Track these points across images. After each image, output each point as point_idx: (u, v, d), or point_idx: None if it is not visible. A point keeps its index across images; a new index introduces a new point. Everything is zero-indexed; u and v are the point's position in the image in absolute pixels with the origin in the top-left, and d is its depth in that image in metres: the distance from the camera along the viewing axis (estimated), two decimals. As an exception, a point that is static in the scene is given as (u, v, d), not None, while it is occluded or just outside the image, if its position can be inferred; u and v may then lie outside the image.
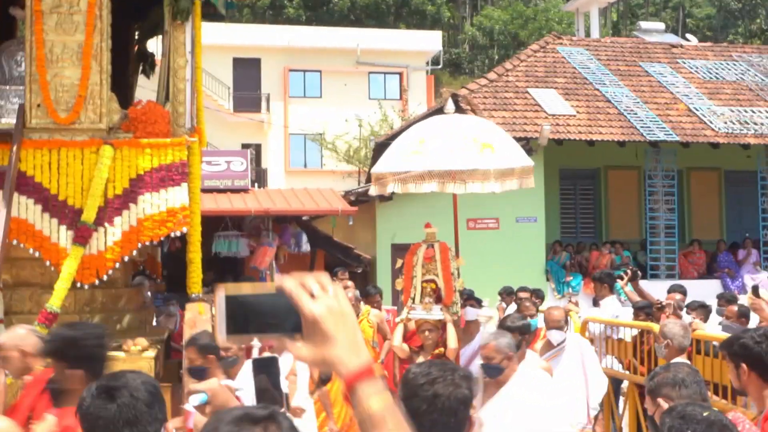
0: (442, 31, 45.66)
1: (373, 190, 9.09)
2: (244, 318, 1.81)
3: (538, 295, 14.60)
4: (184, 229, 8.16)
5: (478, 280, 14.72)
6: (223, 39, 33.94)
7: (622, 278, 11.10)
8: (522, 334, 7.05)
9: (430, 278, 8.24)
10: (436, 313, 8.04)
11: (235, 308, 1.81)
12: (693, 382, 4.06)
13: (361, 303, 11.55)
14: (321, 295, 1.80)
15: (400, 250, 19.83)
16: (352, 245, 19.69)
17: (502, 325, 7.10)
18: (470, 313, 9.84)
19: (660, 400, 4.01)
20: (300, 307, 1.79)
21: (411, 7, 50.58)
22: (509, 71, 22.81)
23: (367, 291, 12.39)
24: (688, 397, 3.92)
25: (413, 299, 8.23)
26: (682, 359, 6.64)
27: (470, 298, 10.73)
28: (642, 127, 20.66)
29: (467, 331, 9.31)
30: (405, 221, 19.22)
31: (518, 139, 20.00)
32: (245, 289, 1.85)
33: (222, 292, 1.82)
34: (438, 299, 8.20)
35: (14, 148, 7.82)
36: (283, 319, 1.81)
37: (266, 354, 7.30)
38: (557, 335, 8.25)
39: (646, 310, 9.81)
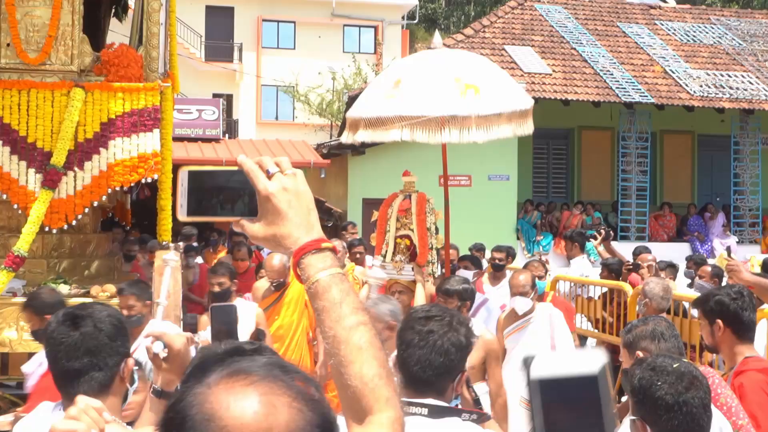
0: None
1: (345, 137, 8.28)
2: (204, 197, 1.79)
3: (509, 253, 14.63)
4: (156, 176, 8.03)
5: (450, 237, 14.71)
6: (197, -13, 33.48)
7: (595, 238, 11.11)
8: (462, 300, 6.19)
9: (404, 233, 7.41)
10: (407, 273, 7.29)
11: (196, 186, 1.78)
12: (671, 336, 4.03)
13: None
14: (277, 174, 1.78)
15: (371, 205, 19.76)
16: (323, 198, 19.60)
17: (440, 288, 6.32)
18: (463, 274, 8.56)
19: (639, 353, 3.98)
20: (255, 184, 1.76)
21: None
22: (486, 27, 22.66)
23: (350, 243, 11.80)
24: (667, 350, 3.89)
25: (384, 256, 7.46)
26: None
27: (464, 258, 9.98)
28: (617, 87, 20.63)
29: None
30: (378, 175, 19.13)
31: (493, 97, 20.12)
32: (209, 167, 1.83)
33: (185, 168, 1.79)
34: (413, 257, 7.39)
35: (-17, 88, 7.63)
36: (240, 199, 1.79)
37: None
38: (522, 303, 6.91)
39: (613, 267, 9.82)
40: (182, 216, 1.80)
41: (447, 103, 7.32)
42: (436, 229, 7.63)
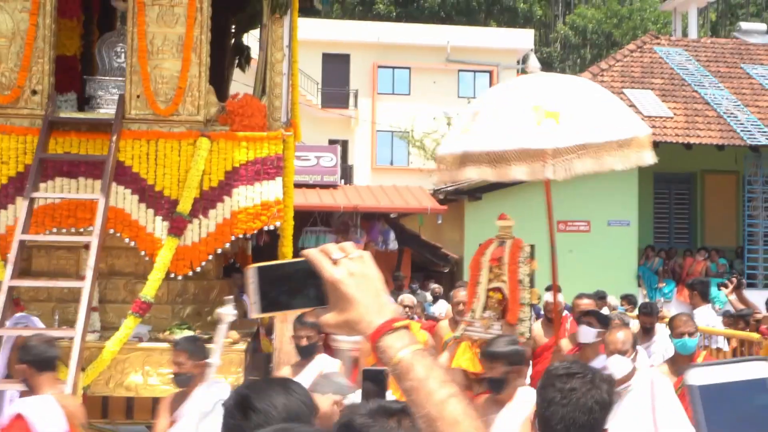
0: (533, 29, 45.18)
1: (432, 178, 7.73)
2: (274, 291, 1.80)
3: (630, 300, 14.29)
4: (278, 224, 8.11)
5: (567, 285, 14.46)
6: (313, 34, 34.03)
7: (726, 286, 10.75)
8: (510, 365, 5.23)
9: (497, 285, 6.61)
10: (496, 332, 6.44)
11: (266, 281, 1.79)
12: None
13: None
14: (342, 260, 1.78)
15: (488, 250, 19.66)
16: (439, 244, 19.54)
17: (484, 351, 5.44)
18: (585, 333, 7.32)
19: None
20: (321, 273, 1.76)
21: (502, 5, 50.16)
22: (604, 71, 22.41)
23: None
24: None
25: (474, 312, 6.68)
26: None
27: (590, 314, 7.90)
28: (742, 130, 20.07)
29: (583, 356, 6.82)
30: (494, 220, 18.98)
31: (612, 141, 19.80)
32: (275, 262, 1.85)
33: (253, 266, 1.80)
34: (505, 313, 6.64)
35: (113, 138, 7.86)
36: (310, 289, 1.79)
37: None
38: (619, 364, 5.60)
39: (745, 318, 9.49)
40: (256, 313, 1.81)
41: (518, 135, 6.35)
42: (531, 281, 6.75)
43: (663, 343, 8.88)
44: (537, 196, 19.63)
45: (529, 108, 6.42)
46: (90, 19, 10.00)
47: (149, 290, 7.64)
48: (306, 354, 6.70)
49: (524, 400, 5.12)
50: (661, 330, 9.04)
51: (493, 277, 6.71)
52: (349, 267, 1.78)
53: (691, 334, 6.74)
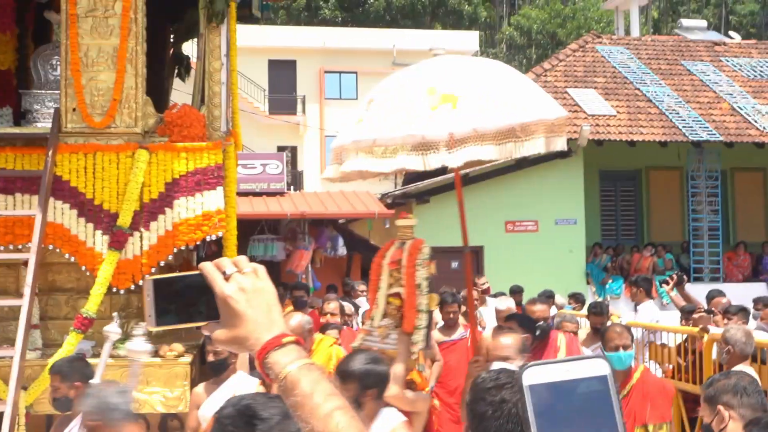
0: (479, 31, 45.42)
1: (326, 172, 6.80)
2: (170, 304, 1.78)
3: (578, 299, 14.40)
4: (220, 233, 8.06)
5: (517, 284, 14.54)
6: (258, 41, 33.91)
7: (667, 283, 10.88)
8: (364, 388, 4.65)
9: (396, 291, 5.99)
10: (392, 341, 5.92)
11: (162, 294, 1.78)
12: (754, 391, 3.90)
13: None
14: (234, 274, 1.76)
15: (437, 253, 19.69)
16: (389, 248, 19.55)
17: (338, 367, 4.90)
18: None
19: (720, 408, 3.86)
20: (213, 287, 1.75)
21: (447, 7, 50.37)
22: (548, 71, 22.59)
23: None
24: (750, 405, 3.79)
25: (372, 320, 6.13)
26: (744, 366, 6.40)
27: (511, 318, 7.29)
28: (684, 126, 20.35)
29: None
30: (443, 223, 19.02)
31: (557, 140, 19.97)
32: (172, 275, 1.82)
33: (149, 278, 1.78)
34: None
35: (50, 152, 7.75)
36: (204, 303, 1.78)
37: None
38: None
39: (689, 313, 9.60)
40: (151, 326, 1.79)
41: (409, 122, 5.74)
42: (430, 285, 6.03)
43: None
44: (486, 198, 19.83)
45: (424, 91, 5.85)
46: (24, 32, 9.87)
47: (91, 305, 7.55)
48: (217, 370, 6.43)
49: (385, 424, 4.73)
50: None
51: (393, 281, 6.05)
52: (241, 282, 1.76)
53: (626, 347, 6.22)
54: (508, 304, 9.60)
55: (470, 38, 40.70)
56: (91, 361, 6.50)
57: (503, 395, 3.01)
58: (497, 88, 5.93)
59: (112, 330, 6.03)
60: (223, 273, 1.77)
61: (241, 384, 6.43)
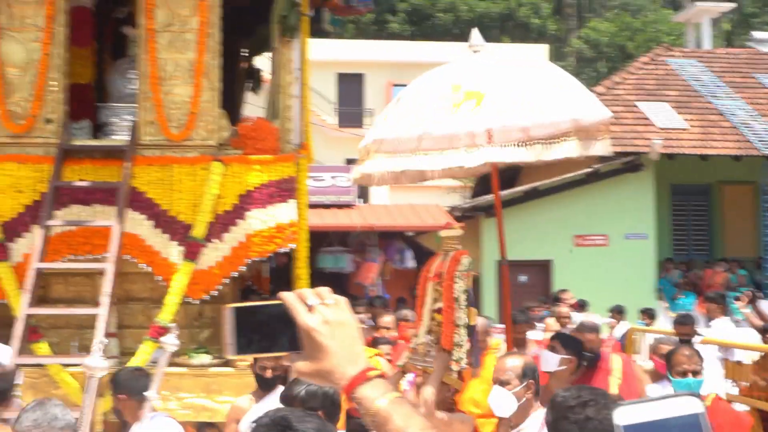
0: (547, 44, 45.17)
1: (353, 173, 6.47)
2: (250, 333, 1.78)
3: (649, 314, 14.23)
4: (292, 245, 8.13)
5: (588, 299, 14.40)
6: (327, 55, 34.11)
7: (740, 299, 10.70)
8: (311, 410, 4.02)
9: (439, 305, 5.68)
10: (431, 359, 5.64)
11: (242, 322, 1.78)
12: None
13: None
14: (318, 306, 1.75)
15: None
16: (456, 261, 19.51)
17: (282, 394, 4.67)
18: (546, 360, 6.21)
19: None
20: (296, 319, 1.74)
21: (515, 21, 50.21)
22: (618, 84, 22.38)
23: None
24: None
25: (417, 337, 5.87)
26: None
27: (556, 338, 6.68)
28: (758, 140, 20.00)
29: (547, 388, 5.71)
30: (512, 236, 18.94)
31: (627, 154, 19.78)
32: (253, 304, 1.83)
33: (230, 307, 1.79)
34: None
35: (127, 164, 7.92)
36: (285, 333, 1.77)
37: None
38: (499, 398, 4.71)
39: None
40: (231, 354, 1.80)
41: (425, 121, 5.37)
42: (469, 299, 5.66)
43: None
44: (555, 212, 19.71)
45: (448, 88, 5.48)
46: (102, 46, 10.09)
47: (166, 315, 7.68)
48: (267, 386, 6.38)
49: None
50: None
51: (438, 296, 5.73)
52: (324, 314, 1.76)
53: (695, 373, 5.55)
54: (593, 319, 9.13)
55: (538, 52, 40.51)
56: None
57: (587, 413, 2.97)
58: (529, 86, 5.55)
59: (170, 341, 6.09)
60: (306, 304, 1.76)
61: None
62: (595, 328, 7.48)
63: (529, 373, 4.72)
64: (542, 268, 19.82)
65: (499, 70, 5.76)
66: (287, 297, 1.77)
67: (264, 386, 6.47)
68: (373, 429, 1.75)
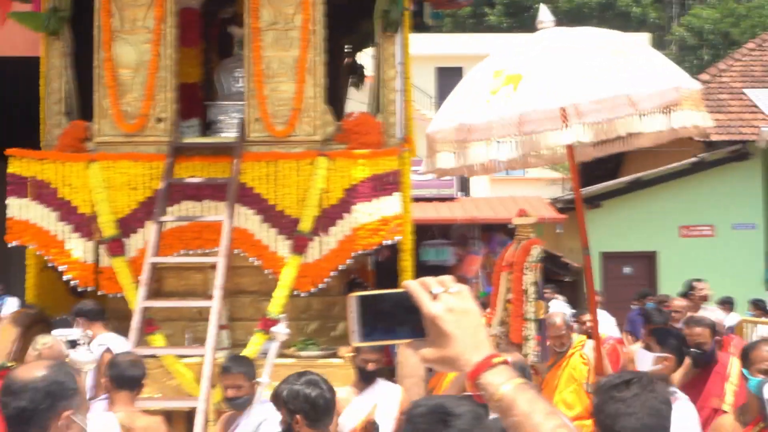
0: (648, 33, 44.33)
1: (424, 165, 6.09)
2: (374, 321, 1.81)
3: (759, 306, 13.89)
4: (398, 238, 8.21)
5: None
6: (426, 49, 34.16)
7: None
8: (293, 413, 4.40)
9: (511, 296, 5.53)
10: (502, 352, 5.49)
11: (366, 310, 1.81)
12: None
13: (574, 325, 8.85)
14: (442, 294, 1.78)
15: (609, 259, 19.42)
16: (559, 253, 19.37)
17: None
18: (641, 358, 5.82)
19: None
20: (420, 307, 1.77)
21: (615, 10, 49.41)
22: (723, 72, 21.88)
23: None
24: None
25: (490, 328, 5.68)
26: None
27: (655, 333, 6.00)
28: None
29: None
30: (615, 228, 18.78)
31: (734, 143, 19.32)
32: (375, 292, 1.87)
33: (354, 295, 1.82)
34: None
35: (236, 161, 8.11)
36: (412, 321, 1.80)
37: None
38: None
39: None
40: (355, 341, 1.84)
41: (461, 111, 5.06)
42: (538, 291, 5.50)
43: None
44: (660, 202, 19.39)
45: (490, 75, 5.07)
46: (209, 46, 10.33)
47: (275, 307, 7.84)
48: (368, 379, 6.49)
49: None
50: None
51: (510, 286, 5.65)
52: (449, 302, 1.79)
53: None
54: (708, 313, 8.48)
55: (639, 40, 39.75)
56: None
57: (633, 390, 2.93)
58: (574, 61, 5.01)
59: (280, 331, 6.26)
60: (431, 292, 1.80)
61: (385, 391, 6.51)
62: (704, 323, 6.64)
63: (517, 369, 4.23)
64: (647, 260, 19.52)
65: (548, 48, 5.26)
66: (411, 285, 1.81)
67: (365, 379, 6.56)
68: (498, 414, 1.78)
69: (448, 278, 1.83)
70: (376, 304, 1.82)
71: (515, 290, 5.59)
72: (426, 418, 2.61)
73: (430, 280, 1.82)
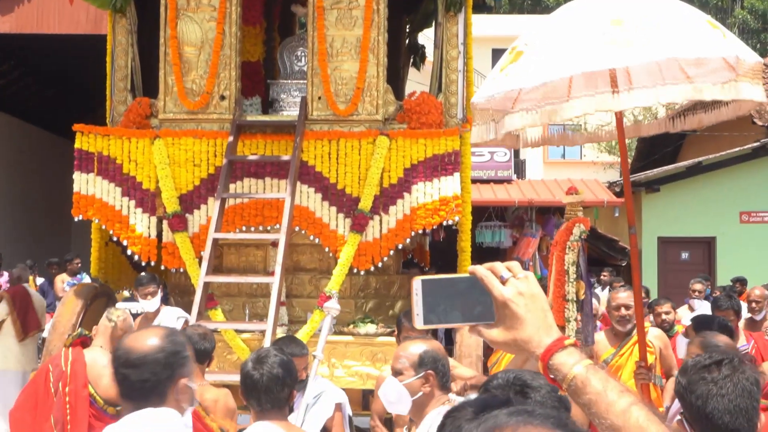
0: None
1: (474, 135, 5.80)
2: (438, 304, 1.84)
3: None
4: (456, 218, 8.22)
5: (754, 278, 13.97)
6: (482, 30, 33.82)
7: None
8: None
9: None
10: None
11: (430, 294, 1.84)
12: None
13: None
14: (511, 279, 1.82)
15: (666, 244, 19.22)
16: (616, 237, 19.23)
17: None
18: (681, 346, 5.95)
19: None
20: (491, 291, 1.81)
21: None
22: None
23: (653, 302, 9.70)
24: None
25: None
26: None
27: (700, 322, 6.02)
28: None
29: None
30: (673, 212, 18.59)
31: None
32: (439, 276, 1.89)
33: (418, 278, 1.85)
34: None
35: (297, 139, 8.16)
36: (476, 305, 1.84)
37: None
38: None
39: None
40: (419, 325, 1.86)
41: (579, 54, 4.54)
42: (579, 271, 5.37)
43: None
44: (720, 187, 19.14)
45: (605, 21, 4.64)
46: (271, 25, 10.40)
47: (333, 285, 7.91)
48: None
49: None
50: None
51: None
52: (518, 287, 1.83)
53: None
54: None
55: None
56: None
57: (724, 371, 2.90)
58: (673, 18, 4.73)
59: (333, 306, 6.29)
60: (500, 277, 1.84)
61: None
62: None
63: (428, 362, 3.95)
64: (705, 246, 19.28)
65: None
66: (480, 270, 1.85)
67: None
68: (569, 395, 1.82)
69: (515, 264, 1.88)
70: (439, 289, 1.86)
71: (557, 270, 5.50)
72: (504, 390, 2.64)
73: (498, 265, 1.87)
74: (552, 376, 1.82)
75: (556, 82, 4.65)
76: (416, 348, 4.02)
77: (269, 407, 4.15)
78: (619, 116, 5.57)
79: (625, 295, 6.50)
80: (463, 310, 1.85)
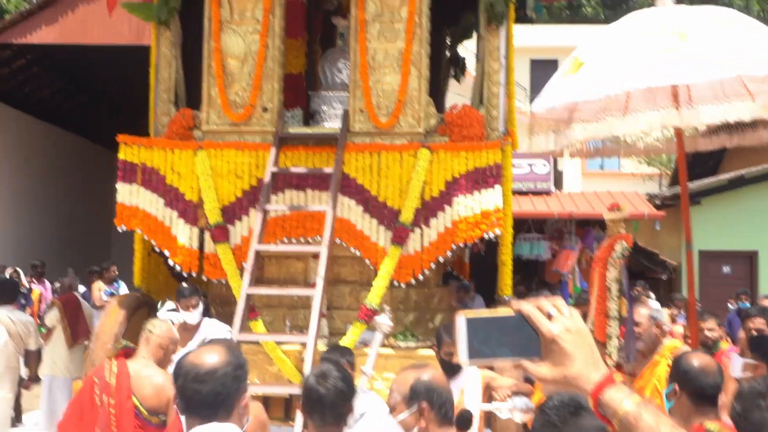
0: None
1: (534, 144, 5.94)
2: (483, 341, 1.87)
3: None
4: (498, 231, 8.18)
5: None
6: (520, 40, 33.66)
7: None
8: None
9: None
10: None
11: (474, 331, 1.87)
12: None
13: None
14: (557, 316, 1.86)
15: (708, 257, 19.03)
16: (656, 251, 19.06)
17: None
18: (734, 363, 5.52)
19: None
20: (538, 328, 1.84)
21: (718, 2, 48.27)
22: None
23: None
24: None
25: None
26: None
27: (757, 339, 5.68)
28: None
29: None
30: (715, 226, 18.38)
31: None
32: (484, 313, 1.91)
33: (462, 315, 1.87)
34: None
35: (339, 151, 8.18)
36: (522, 342, 1.86)
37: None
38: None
39: None
40: (463, 360, 1.88)
41: (641, 68, 4.57)
42: (621, 288, 5.33)
43: None
44: (762, 200, 18.90)
45: (667, 31, 4.73)
46: (313, 37, 10.45)
47: (374, 297, 7.89)
48: (454, 370, 6.36)
49: None
50: None
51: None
52: (565, 323, 1.86)
53: None
54: None
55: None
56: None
57: None
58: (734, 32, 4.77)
59: (383, 321, 6.29)
60: (547, 314, 1.87)
61: (468, 377, 6.49)
62: None
63: (421, 393, 3.72)
64: (747, 260, 19.07)
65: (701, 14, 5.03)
66: (526, 307, 1.88)
67: (449, 371, 6.57)
68: (620, 431, 1.83)
69: (560, 300, 1.91)
70: (483, 325, 1.89)
71: (599, 287, 5.46)
72: (558, 411, 2.64)
73: (544, 302, 1.89)
74: (602, 412, 1.84)
75: (617, 95, 4.74)
76: (407, 378, 3.82)
77: (332, 422, 4.14)
78: (679, 132, 5.64)
79: (639, 312, 6.30)
80: (506, 346, 1.88)
